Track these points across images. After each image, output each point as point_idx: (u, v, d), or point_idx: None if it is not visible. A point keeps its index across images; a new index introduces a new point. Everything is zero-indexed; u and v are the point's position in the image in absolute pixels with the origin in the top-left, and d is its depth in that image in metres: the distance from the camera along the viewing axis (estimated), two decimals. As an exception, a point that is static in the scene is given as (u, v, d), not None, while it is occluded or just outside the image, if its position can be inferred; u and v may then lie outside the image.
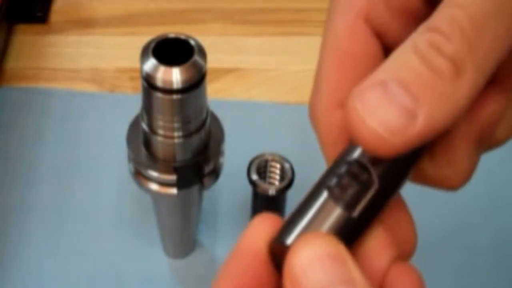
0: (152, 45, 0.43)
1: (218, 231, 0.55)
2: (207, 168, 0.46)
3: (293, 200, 0.54)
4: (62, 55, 0.66)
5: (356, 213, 0.26)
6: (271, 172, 0.50)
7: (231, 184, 0.54)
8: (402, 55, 0.25)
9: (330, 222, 0.26)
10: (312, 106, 0.29)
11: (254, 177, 0.49)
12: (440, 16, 0.25)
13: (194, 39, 0.43)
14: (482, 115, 0.28)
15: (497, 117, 0.28)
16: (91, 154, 0.58)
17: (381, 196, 0.26)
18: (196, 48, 0.43)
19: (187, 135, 0.44)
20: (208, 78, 0.44)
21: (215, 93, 0.61)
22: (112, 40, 0.67)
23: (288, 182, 0.48)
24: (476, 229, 0.55)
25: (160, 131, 0.44)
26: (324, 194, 0.26)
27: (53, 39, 0.67)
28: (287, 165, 0.49)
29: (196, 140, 0.45)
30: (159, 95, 0.42)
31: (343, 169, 0.26)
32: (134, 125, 0.47)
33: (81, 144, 0.59)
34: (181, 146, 0.44)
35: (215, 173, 0.47)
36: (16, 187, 0.56)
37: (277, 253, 0.26)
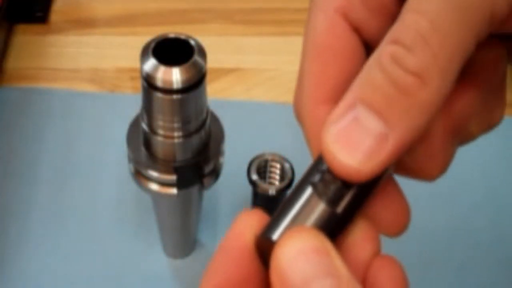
0: (152, 45, 0.43)
1: (218, 231, 0.55)
2: (207, 168, 0.46)
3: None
4: (62, 55, 0.66)
5: (340, 208, 0.26)
6: (271, 172, 0.50)
7: (231, 184, 0.54)
8: (369, 70, 0.25)
9: (315, 217, 0.26)
10: (296, 102, 0.29)
11: (254, 177, 0.49)
12: (402, 25, 0.25)
13: (194, 39, 0.43)
14: (456, 109, 0.28)
15: (471, 110, 0.28)
16: (91, 154, 0.58)
17: (364, 191, 0.27)
18: (196, 48, 0.43)
19: (187, 135, 0.44)
20: (208, 78, 0.44)
21: (215, 93, 0.61)
22: (112, 40, 0.67)
23: (288, 182, 0.48)
24: (477, 228, 0.55)
25: (160, 131, 0.44)
26: (309, 190, 0.27)
27: (53, 39, 0.67)
28: (287, 165, 0.49)
29: (196, 140, 0.45)
30: (159, 95, 0.42)
31: (326, 165, 0.26)
32: (134, 125, 0.47)
33: (81, 144, 0.59)
34: (181, 146, 0.44)
35: (215, 173, 0.47)
36: (16, 187, 0.56)
37: (264, 248, 0.27)
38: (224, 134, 0.47)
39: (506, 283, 0.52)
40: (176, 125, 0.43)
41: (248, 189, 0.50)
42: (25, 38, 0.67)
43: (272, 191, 0.48)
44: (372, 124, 0.25)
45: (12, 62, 0.65)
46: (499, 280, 0.53)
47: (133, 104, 0.49)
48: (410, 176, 0.30)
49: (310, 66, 0.28)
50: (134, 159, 0.46)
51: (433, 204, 0.56)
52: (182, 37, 0.43)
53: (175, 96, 0.42)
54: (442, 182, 0.59)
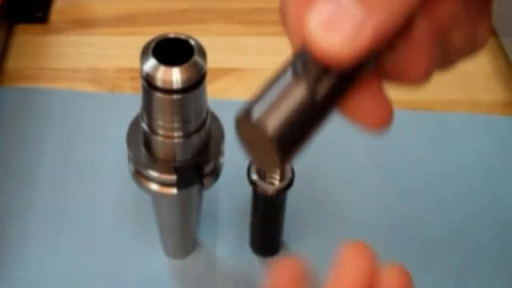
0: (152, 45, 0.43)
1: (218, 231, 0.55)
2: (207, 168, 0.46)
3: (293, 200, 0.54)
4: (62, 55, 0.66)
5: (318, 94, 0.27)
6: (271, 172, 0.50)
7: (231, 184, 0.54)
8: None
9: (293, 101, 0.27)
10: (281, 5, 0.31)
11: (254, 177, 0.49)
12: None
13: (194, 39, 0.43)
14: (439, 11, 0.29)
15: (453, 14, 0.29)
16: (91, 154, 0.58)
17: (344, 79, 0.28)
18: (196, 48, 0.43)
19: (187, 135, 0.44)
20: (208, 78, 0.44)
21: (215, 93, 0.61)
22: (112, 40, 0.67)
23: (288, 182, 0.48)
24: (478, 229, 0.55)
25: (160, 131, 0.44)
26: (289, 75, 0.28)
27: (53, 39, 0.67)
28: (287, 165, 0.49)
29: (196, 140, 0.45)
30: (159, 95, 0.42)
31: (307, 53, 0.27)
32: (134, 125, 0.47)
33: (81, 144, 0.59)
34: (181, 146, 0.44)
35: (215, 173, 0.47)
36: (16, 187, 0.56)
37: (242, 128, 0.29)
38: (224, 134, 0.47)
39: (507, 284, 0.52)
40: (176, 125, 0.43)
41: (248, 189, 0.50)
42: (25, 38, 0.67)
43: (272, 191, 0.48)
44: (353, 10, 0.26)
45: (12, 62, 0.65)
46: (500, 281, 0.53)
47: (133, 104, 0.49)
48: (394, 80, 0.30)
49: None
50: (134, 159, 0.46)
51: (434, 205, 0.56)
52: (182, 37, 0.43)
53: (175, 96, 0.42)
54: (443, 183, 0.59)
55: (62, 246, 0.53)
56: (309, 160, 0.59)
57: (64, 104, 0.62)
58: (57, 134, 0.60)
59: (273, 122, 0.28)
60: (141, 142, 0.46)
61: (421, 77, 0.30)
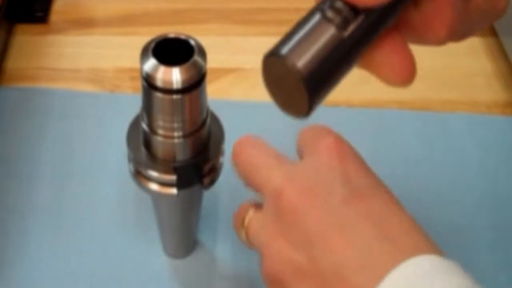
0: (152, 45, 0.43)
1: (218, 231, 0.55)
2: (207, 168, 0.46)
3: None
4: (62, 55, 0.66)
5: (347, 33, 0.28)
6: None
7: (231, 184, 0.54)
8: None
9: (323, 40, 0.28)
10: None
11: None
12: None
13: (194, 39, 0.43)
14: None
15: None
16: (91, 154, 0.58)
17: (371, 21, 0.29)
18: (196, 48, 0.43)
19: (187, 135, 0.44)
20: (208, 78, 0.44)
21: (215, 93, 0.61)
22: (112, 40, 0.67)
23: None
24: (478, 228, 0.55)
25: (160, 131, 0.44)
26: (318, 15, 0.29)
27: (53, 39, 0.67)
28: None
29: (196, 140, 0.45)
30: (159, 95, 0.42)
31: None
32: (134, 125, 0.47)
33: (81, 144, 0.59)
34: (181, 146, 0.44)
35: (215, 173, 0.47)
36: (16, 187, 0.56)
37: (272, 65, 0.30)
38: (224, 134, 0.47)
39: (507, 284, 0.52)
40: (176, 125, 0.43)
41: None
42: (25, 38, 0.67)
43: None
44: None
45: (12, 62, 0.65)
46: (500, 281, 0.53)
47: (133, 104, 0.49)
48: (419, 37, 0.31)
49: None
50: (134, 159, 0.46)
51: (433, 205, 0.56)
52: (182, 37, 0.43)
53: (175, 96, 0.42)
54: (443, 182, 0.59)
55: (62, 246, 0.53)
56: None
57: (64, 104, 0.62)
58: (57, 134, 0.60)
59: (303, 59, 0.28)
60: (141, 142, 0.46)
61: (444, 35, 0.31)
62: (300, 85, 0.28)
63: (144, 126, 0.45)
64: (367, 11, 0.28)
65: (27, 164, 0.58)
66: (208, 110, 0.46)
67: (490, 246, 0.54)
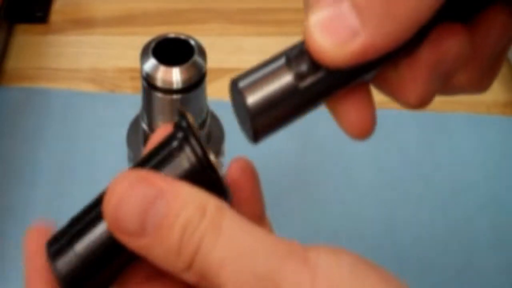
0: (152, 45, 0.43)
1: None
2: (207, 168, 0.46)
3: (293, 199, 0.54)
4: (62, 55, 0.66)
5: (303, 84, 0.29)
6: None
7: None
8: None
9: (279, 84, 0.29)
10: None
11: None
12: None
13: (194, 39, 0.43)
14: (442, 46, 0.30)
15: (456, 56, 0.30)
16: (91, 154, 0.58)
17: (331, 79, 0.29)
18: (196, 48, 0.43)
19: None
20: (208, 78, 0.44)
21: (215, 93, 0.61)
22: (112, 40, 0.67)
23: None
24: (478, 230, 0.55)
25: (160, 131, 0.44)
26: (282, 60, 0.29)
27: (53, 39, 0.67)
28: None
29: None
30: (159, 95, 0.42)
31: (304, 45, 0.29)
32: (134, 125, 0.47)
33: (81, 144, 0.59)
34: (181, 146, 0.44)
35: (215, 173, 0.47)
36: (16, 187, 0.56)
37: (233, 91, 0.30)
38: (224, 134, 0.47)
39: (506, 285, 0.52)
40: (176, 125, 0.43)
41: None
42: (25, 38, 0.67)
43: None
44: (351, 19, 0.28)
45: (12, 62, 0.65)
46: (500, 281, 0.53)
47: (133, 104, 0.49)
48: (391, 94, 0.32)
49: None
50: (134, 159, 0.46)
51: (433, 204, 0.56)
52: (182, 37, 0.43)
53: (175, 96, 0.42)
54: (443, 182, 0.59)
55: (62, 246, 0.53)
56: (309, 160, 0.59)
57: (64, 104, 0.62)
58: (57, 134, 0.60)
59: (254, 96, 0.29)
60: (141, 142, 0.46)
61: (417, 101, 0.31)
62: (248, 117, 0.30)
63: (144, 126, 0.45)
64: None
65: (27, 164, 0.58)
66: (208, 110, 0.46)
67: (490, 246, 0.54)
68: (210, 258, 0.26)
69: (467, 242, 0.54)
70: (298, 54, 0.29)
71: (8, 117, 0.61)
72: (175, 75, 0.42)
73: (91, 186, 0.57)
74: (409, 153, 0.59)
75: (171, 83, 0.42)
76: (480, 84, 0.33)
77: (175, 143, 0.29)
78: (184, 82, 0.42)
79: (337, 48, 0.28)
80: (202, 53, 0.43)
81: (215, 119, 0.47)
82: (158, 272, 0.31)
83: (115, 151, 0.58)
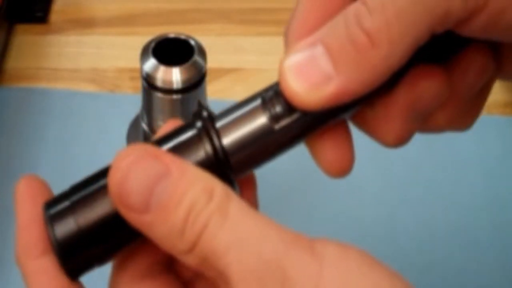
0: (152, 45, 0.43)
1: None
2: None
3: (293, 200, 0.54)
4: (62, 55, 0.66)
5: (278, 126, 0.29)
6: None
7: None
8: (338, 19, 0.28)
9: (254, 125, 0.29)
10: (288, 26, 0.33)
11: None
12: None
13: (194, 39, 0.43)
14: (418, 87, 0.30)
15: (433, 97, 0.30)
16: (91, 154, 0.58)
17: (305, 121, 0.29)
18: (196, 48, 0.43)
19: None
20: (208, 78, 0.44)
21: (215, 93, 0.61)
22: (112, 40, 0.67)
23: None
24: (478, 228, 0.55)
25: (160, 131, 0.44)
26: (258, 101, 0.29)
27: (53, 39, 0.67)
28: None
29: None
30: (159, 95, 0.42)
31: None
32: (134, 125, 0.47)
33: (81, 144, 0.59)
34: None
35: (215, 173, 0.47)
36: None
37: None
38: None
39: (506, 285, 0.52)
40: (176, 125, 0.43)
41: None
42: (25, 38, 0.67)
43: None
44: (324, 64, 0.28)
45: (12, 62, 0.65)
46: (500, 281, 0.53)
47: (133, 104, 0.49)
48: (369, 133, 0.32)
49: (303, 5, 0.31)
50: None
51: (434, 205, 0.56)
52: (182, 37, 0.43)
53: (175, 96, 0.42)
54: (442, 183, 0.59)
55: (62, 246, 0.53)
56: (308, 160, 0.59)
57: (64, 104, 0.62)
58: (57, 134, 0.60)
59: (230, 137, 0.29)
60: (141, 142, 0.46)
61: (393, 141, 0.31)
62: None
63: (144, 126, 0.45)
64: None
65: (27, 164, 0.58)
66: (208, 110, 0.46)
67: (490, 246, 0.54)
68: (215, 241, 0.26)
69: (467, 242, 0.54)
70: (273, 96, 0.29)
71: (8, 117, 0.61)
72: (175, 75, 0.42)
73: (91, 186, 0.57)
74: (409, 153, 0.59)
75: (171, 83, 0.42)
76: (461, 123, 0.33)
77: (192, 131, 0.29)
78: (184, 82, 0.42)
79: (310, 92, 0.28)
80: (202, 53, 0.43)
81: (215, 119, 0.47)
82: (150, 272, 0.31)
83: (115, 151, 0.58)
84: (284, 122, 0.29)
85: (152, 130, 0.44)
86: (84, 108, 0.61)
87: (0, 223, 0.54)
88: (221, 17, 0.69)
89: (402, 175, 0.58)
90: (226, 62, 0.65)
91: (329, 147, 0.31)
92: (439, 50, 0.30)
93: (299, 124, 0.29)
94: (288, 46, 0.32)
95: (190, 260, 0.27)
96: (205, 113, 0.29)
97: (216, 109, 0.48)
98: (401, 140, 0.31)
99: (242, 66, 0.65)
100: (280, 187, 0.56)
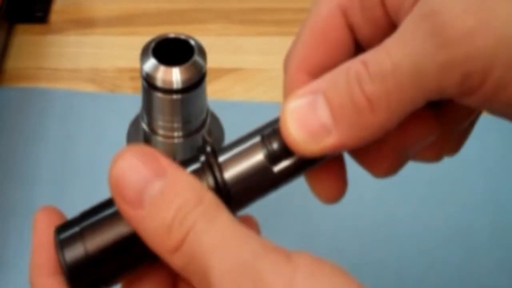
0: (152, 45, 0.43)
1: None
2: (207, 168, 0.46)
3: (293, 200, 0.54)
4: (62, 55, 0.66)
5: (276, 168, 0.30)
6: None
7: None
8: (340, 72, 0.29)
9: (252, 161, 0.30)
10: (287, 57, 0.34)
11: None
12: (376, 53, 0.29)
13: (194, 39, 0.43)
14: (409, 131, 0.32)
15: (424, 139, 0.32)
16: (91, 154, 0.58)
17: (302, 163, 0.31)
18: (196, 48, 0.43)
19: (187, 135, 0.44)
20: (208, 78, 0.44)
21: (215, 93, 0.61)
22: (112, 40, 0.67)
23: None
24: (478, 228, 0.55)
25: (160, 131, 0.44)
26: (257, 139, 0.31)
27: (53, 39, 0.67)
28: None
29: (196, 140, 0.45)
30: (159, 95, 0.42)
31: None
32: (134, 125, 0.47)
33: (81, 144, 0.59)
34: (181, 146, 0.44)
35: (215, 173, 0.47)
36: (16, 187, 0.56)
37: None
38: (224, 134, 0.47)
39: (506, 285, 0.52)
40: (176, 125, 0.43)
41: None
42: (25, 38, 0.67)
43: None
44: (324, 114, 0.29)
45: (12, 62, 0.65)
46: (500, 281, 0.53)
47: (133, 104, 0.49)
48: (360, 164, 0.33)
49: (305, 37, 0.33)
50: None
51: (434, 204, 0.56)
52: (182, 37, 0.43)
53: (175, 96, 0.42)
54: (442, 183, 0.59)
55: (62, 246, 0.53)
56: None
57: (64, 104, 0.62)
58: (57, 134, 0.60)
59: (231, 171, 0.31)
60: (141, 142, 0.46)
61: (384, 174, 0.33)
62: None
63: (144, 126, 0.45)
64: None
65: (27, 164, 0.58)
66: (208, 110, 0.46)
67: (490, 246, 0.54)
68: (200, 242, 0.27)
69: (467, 242, 0.54)
70: (271, 134, 0.31)
71: (8, 117, 0.61)
72: (175, 75, 0.42)
73: (91, 186, 0.57)
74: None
75: (171, 83, 0.42)
76: (449, 152, 0.35)
77: (196, 165, 0.30)
78: (184, 82, 0.42)
79: (309, 141, 0.29)
80: (202, 53, 0.43)
81: (215, 119, 0.47)
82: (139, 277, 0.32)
83: (115, 151, 0.57)
84: (282, 165, 0.30)
85: (152, 130, 0.44)
86: (84, 108, 0.62)
87: (0, 223, 0.54)
88: (221, 17, 0.69)
89: (402, 175, 0.57)
90: (226, 62, 0.65)
91: (325, 179, 0.33)
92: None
93: (298, 165, 0.31)
94: (287, 81, 0.33)
95: (176, 261, 0.28)
96: (207, 148, 0.31)
97: (216, 109, 0.48)
98: (391, 172, 0.33)
99: (242, 66, 0.65)
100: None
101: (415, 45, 0.28)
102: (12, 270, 0.52)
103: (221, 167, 0.30)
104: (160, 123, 0.43)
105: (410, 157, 0.33)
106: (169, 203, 0.28)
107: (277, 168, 0.30)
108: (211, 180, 0.30)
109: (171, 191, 0.28)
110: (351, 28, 0.32)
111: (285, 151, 0.30)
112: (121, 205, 0.29)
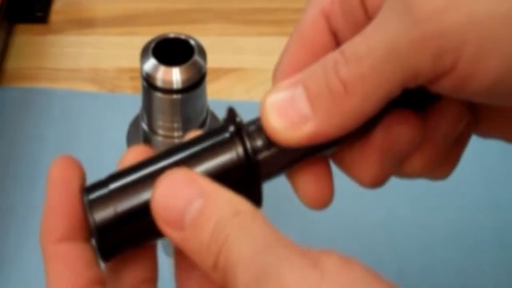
0: (152, 45, 0.43)
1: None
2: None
3: (293, 200, 0.54)
4: (62, 55, 0.66)
5: (258, 158, 0.31)
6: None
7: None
8: (318, 64, 0.30)
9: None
10: (275, 68, 0.34)
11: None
12: (352, 40, 0.29)
13: (194, 39, 0.43)
14: (393, 132, 0.32)
15: (407, 141, 0.32)
16: (91, 154, 0.58)
17: (284, 156, 0.31)
18: (196, 48, 0.43)
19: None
20: (208, 78, 0.44)
21: (215, 93, 0.61)
22: (112, 40, 0.67)
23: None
24: (478, 228, 0.55)
25: (160, 131, 0.44)
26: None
27: (53, 39, 0.67)
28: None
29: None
30: (159, 95, 0.42)
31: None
32: (134, 125, 0.47)
33: (81, 144, 0.59)
34: (181, 146, 0.44)
35: (215, 173, 0.47)
36: (16, 187, 0.56)
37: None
38: (224, 134, 0.47)
39: (506, 285, 0.52)
40: (176, 125, 0.43)
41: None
42: (25, 38, 0.67)
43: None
44: (302, 105, 0.29)
45: (12, 62, 0.65)
46: (499, 282, 0.53)
47: (133, 104, 0.49)
48: (346, 172, 0.33)
49: (292, 47, 0.33)
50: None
51: (433, 205, 0.56)
52: (182, 37, 0.43)
53: (175, 96, 0.42)
54: (442, 183, 0.59)
55: (62, 246, 0.53)
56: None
57: (64, 104, 0.62)
58: (57, 134, 0.60)
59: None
60: (141, 142, 0.46)
61: (370, 182, 0.33)
62: None
63: (144, 126, 0.45)
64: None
65: (27, 164, 0.58)
66: (208, 110, 0.46)
67: (490, 246, 0.54)
68: (232, 253, 0.27)
69: (467, 242, 0.54)
70: (255, 130, 0.31)
71: (8, 117, 0.61)
72: (175, 75, 0.42)
73: (91, 186, 0.57)
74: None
75: (171, 83, 0.42)
76: (438, 171, 0.35)
77: (226, 135, 0.31)
78: (184, 82, 0.42)
79: (288, 130, 0.30)
80: (202, 53, 0.43)
81: (215, 119, 0.47)
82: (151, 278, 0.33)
83: (115, 151, 0.57)
84: (263, 154, 0.31)
85: (152, 130, 0.44)
86: (84, 108, 0.62)
87: (0, 223, 0.54)
88: (221, 17, 0.69)
89: (402, 175, 0.58)
90: (226, 62, 0.65)
91: (310, 181, 0.33)
92: (413, 100, 0.31)
93: (278, 158, 0.31)
94: (274, 84, 0.33)
95: (216, 277, 0.28)
96: (237, 118, 0.32)
97: (216, 109, 0.48)
98: (377, 182, 0.33)
99: (242, 66, 0.65)
100: (279, 187, 0.56)
101: (389, 27, 0.28)
102: (12, 270, 0.52)
103: (252, 138, 0.31)
104: (160, 123, 0.43)
105: (397, 169, 0.33)
106: (207, 221, 0.28)
107: (259, 158, 0.31)
108: (240, 149, 0.30)
109: (209, 209, 0.28)
110: (334, 33, 0.33)
111: (268, 144, 0.31)
112: (164, 229, 0.29)
